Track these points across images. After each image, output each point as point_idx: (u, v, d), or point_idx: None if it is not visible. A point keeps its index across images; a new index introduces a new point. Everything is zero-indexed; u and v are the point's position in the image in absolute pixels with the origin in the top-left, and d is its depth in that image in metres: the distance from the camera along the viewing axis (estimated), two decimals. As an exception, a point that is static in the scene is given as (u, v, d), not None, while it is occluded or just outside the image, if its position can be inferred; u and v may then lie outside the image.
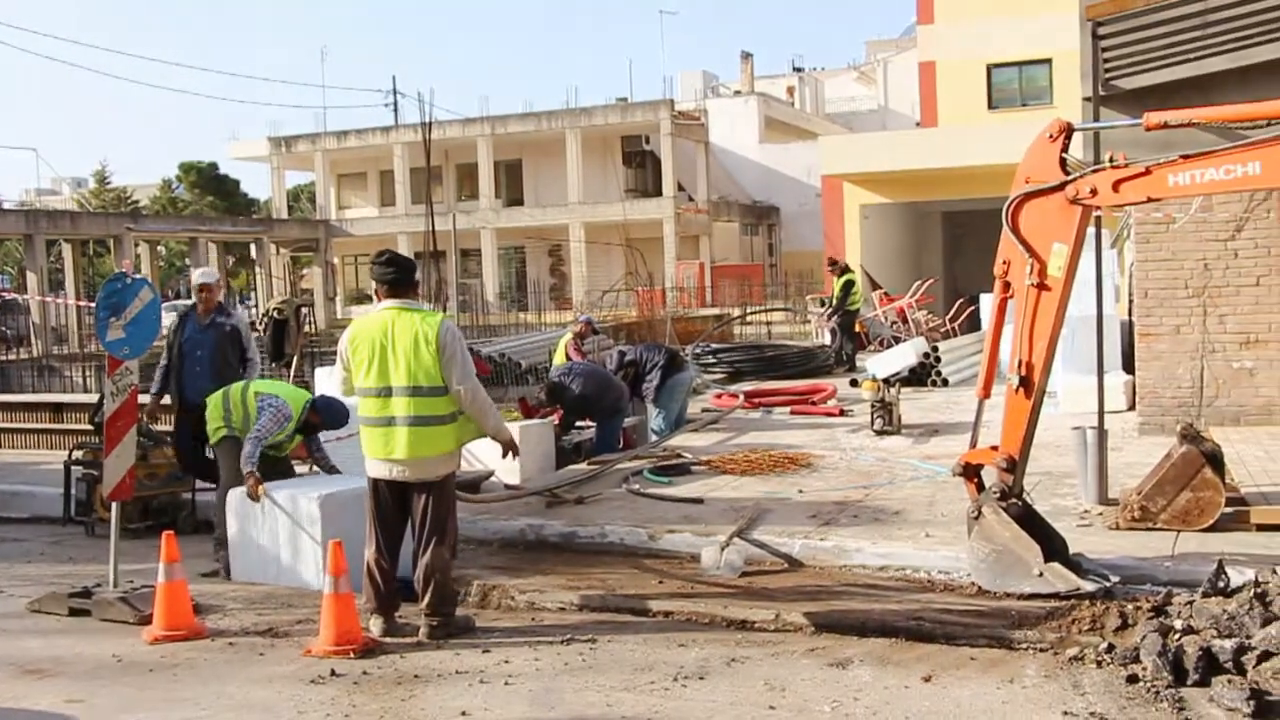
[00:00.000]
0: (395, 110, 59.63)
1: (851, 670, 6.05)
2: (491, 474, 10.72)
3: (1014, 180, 7.17)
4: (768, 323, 30.37)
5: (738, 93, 58.74)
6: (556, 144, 50.89)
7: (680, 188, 50.82)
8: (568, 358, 14.63)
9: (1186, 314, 12.07)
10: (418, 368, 6.75)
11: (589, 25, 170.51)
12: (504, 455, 7.32)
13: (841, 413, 15.08)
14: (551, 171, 51.84)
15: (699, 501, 9.77)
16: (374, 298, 7.10)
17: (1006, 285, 7.21)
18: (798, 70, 69.23)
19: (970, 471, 7.47)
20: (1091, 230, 9.52)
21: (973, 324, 22.79)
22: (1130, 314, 15.21)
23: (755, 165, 54.45)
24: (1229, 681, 5.38)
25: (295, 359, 14.57)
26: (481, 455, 10.69)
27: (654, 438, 13.22)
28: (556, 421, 12.22)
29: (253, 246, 55.51)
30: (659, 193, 50.25)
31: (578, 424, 12.73)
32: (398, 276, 6.96)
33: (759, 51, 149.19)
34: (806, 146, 44.91)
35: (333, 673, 6.15)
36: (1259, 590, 6.00)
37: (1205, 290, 11.97)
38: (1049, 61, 32.28)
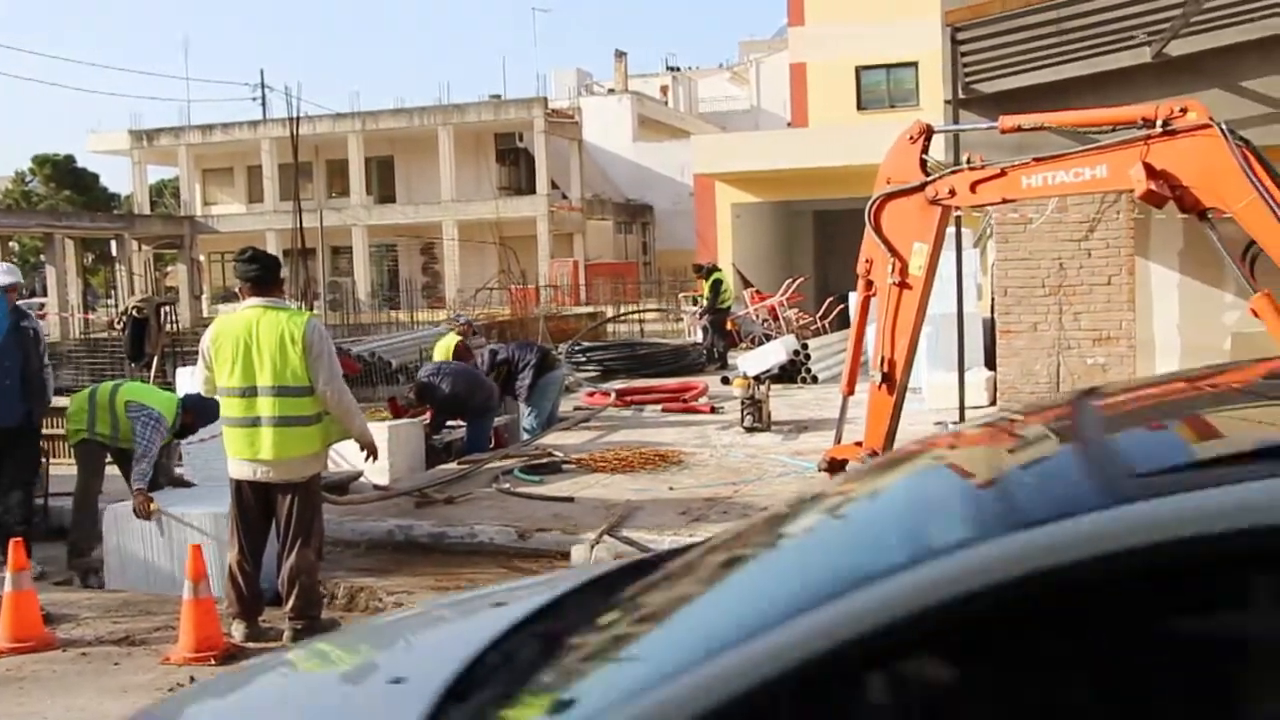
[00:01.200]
0: (263, 104, 58.51)
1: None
2: (360, 475, 10.57)
3: (876, 180, 7.31)
4: (640, 321, 30.48)
5: (611, 91, 58.82)
6: (429, 141, 50.40)
7: (554, 185, 50.72)
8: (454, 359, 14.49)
9: (1043, 311, 12.43)
10: (284, 367, 6.62)
11: (461, 22, 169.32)
12: (365, 458, 7.24)
13: (713, 410, 15.21)
14: (424, 169, 51.32)
15: (570, 500, 9.77)
16: (238, 295, 6.95)
17: (869, 284, 7.36)
18: (672, 69, 69.59)
19: (835, 466, 7.61)
20: (952, 230, 9.79)
21: (843, 322, 23.16)
22: (992, 312, 15.64)
23: (629, 164, 54.60)
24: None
25: (156, 359, 14.18)
26: (350, 456, 10.54)
27: (525, 436, 13.17)
28: (426, 421, 12.10)
29: (113, 243, 53.90)
30: (533, 191, 50.09)
31: (448, 423, 12.63)
32: (261, 274, 6.82)
33: (633, 50, 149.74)
34: (680, 145, 45.17)
35: (191, 680, 5.99)
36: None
37: (1061, 289, 12.34)
38: (915, 65, 32.94)
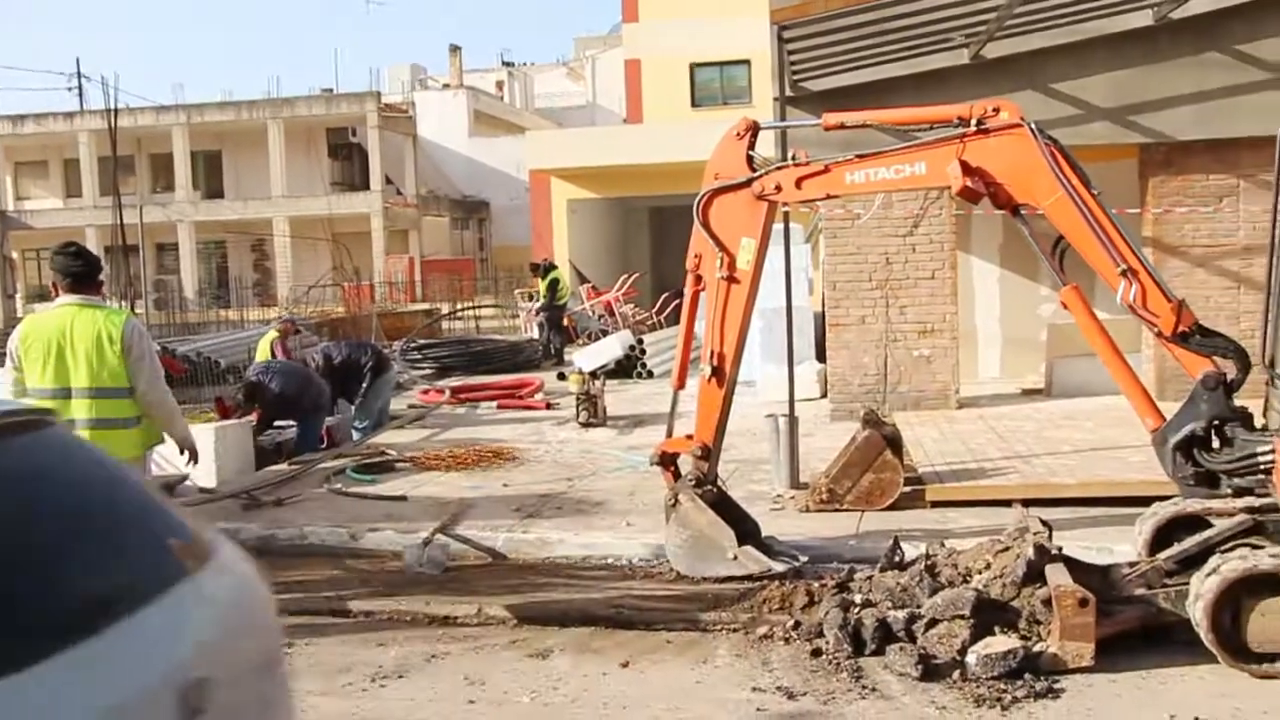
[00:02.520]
0: (80, 95, 56.06)
1: (552, 660, 6.11)
2: (185, 478, 10.24)
3: (703, 176, 7.40)
4: (476, 317, 30.28)
5: (446, 86, 58.20)
6: (258, 135, 49.10)
7: (388, 181, 49.95)
8: (274, 357, 14.16)
9: (871, 305, 12.76)
10: (100, 368, 6.38)
11: (292, 14, 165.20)
12: (186, 462, 7.03)
13: (548, 406, 15.20)
14: (253, 163, 49.98)
15: (403, 499, 9.65)
16: (52, 291, 6.67)
17: (698, 278, 7.43)
18: (507, 65, 69.17)
19: (667, 460, 7.67)
20: (781, 225, 9.95)
21: (679, 317, 23.34)
22: (823, 305, 15.97)
23: (465, 159, 54.12)
24: (901, 649, 5.73)
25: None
26: (174, 459, 10.20)
27: (356, 436, 12.96)
28: (255, 421, 11.80)
29: (-82, 240, 51.20)
30: (366, 186, 49.23)
31: (278, 423, 12.34)
32: (85, 270, 6.55)
33: (468, 45, 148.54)
34: (516, 141, 44.93)
35: None
36: (929, 563, 6.41)
37: (887, 283, 12.69)
38: (748, 62, 33.43)
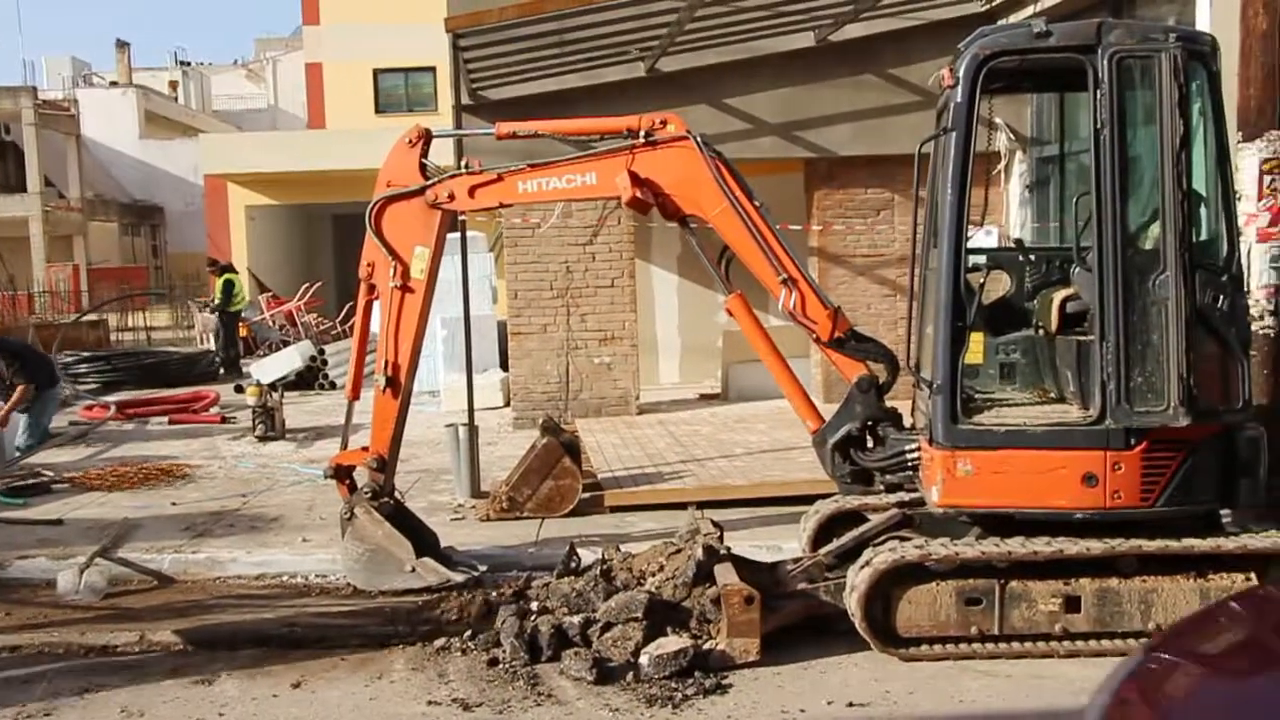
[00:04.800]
0: None
1: (218, 685, 5.85)
2: None
3: (376, 184, 7.27)
4: (148, 329, 28.74)
5: (114, 84, 55.07)
6: (-103, 130, 45.10)
7: (49, 183, 46.77)
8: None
9: (552, 313, 12.88)
10: None
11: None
12: None
13: (224, 420, 14.58)
14: (-109, 161, 45.86)
15: (58, 523, 9.03)
16: None
17: (372, 287, 7.30)
18: (182, 64, 66.10)
19: (342, 473, 7.48)
20: (458, 234, 9.91)
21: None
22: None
23: (136, 162, 51.26)
24: (576, 653, 5.79)
25: None
26: None
27: (17, 455, 12.03)
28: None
29: None
30: (24, 188, 45.88)
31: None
32: None
33: (137, 41, 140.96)
34: (192, 144, 42.94)
35: None
36: (604, 568, 6.51)
37: (568, 291, 12.84)
38: (433, 70, 33.15)
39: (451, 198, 7.08)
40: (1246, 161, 7.01)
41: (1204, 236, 6.01)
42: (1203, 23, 8.61)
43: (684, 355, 15.87)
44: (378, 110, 33.46)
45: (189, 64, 67.17)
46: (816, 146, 12.90)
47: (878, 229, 13.13)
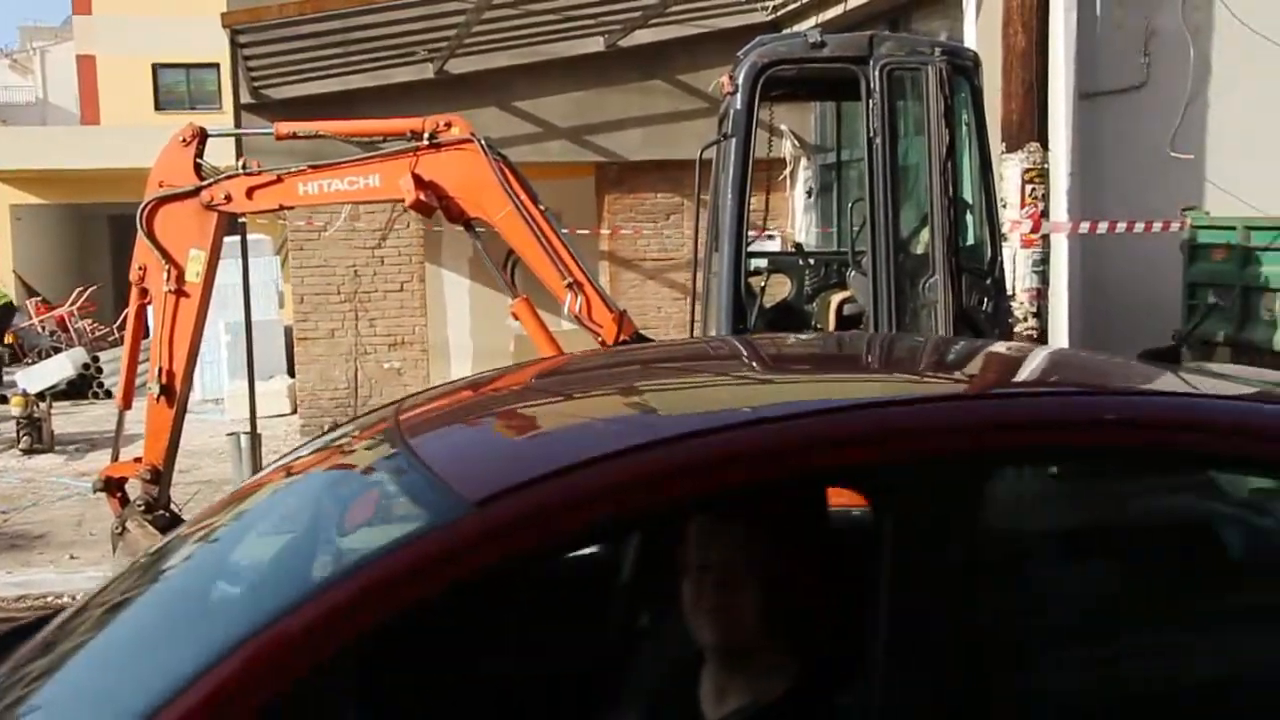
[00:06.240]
0: None
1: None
2: None
3: (148, 184, 6.98)
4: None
5: None
6: None
7: None
8: None
9: (340, 318, 12.62)
10: None
11: None
12: None
13: (-15, 432, 13.79)
14: None
15: None
16: None
17: (144, 291, 7.00)
18: (-61, 53, 62.32)
19: (113, 486, 7.15)
20: (238, 237, 9.61)
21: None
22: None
23: (-112, 157, 48.17)
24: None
25: None
26: None
27: None
28: None
29: None
30: None
31: None
32: None
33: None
34: (-49, 139, 40.49)
35: None
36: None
37: (356, 295, 12.60)
38: (217, 66, 32.06)
39: (229, 199, 6.84)
40: (1010, 171, 7.37)
41: (970, 242, 6.29)
42: (969, 40, 9.02)
43: (476, 359, 15.69)
44: (158, 107, 32.17)
45: (-53, 53, 63.32)
46: (607, 151, 12.98)
47: (666, 233, 13.29)
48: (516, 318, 6.81)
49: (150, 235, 6.90)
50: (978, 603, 1.96)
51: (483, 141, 6.75)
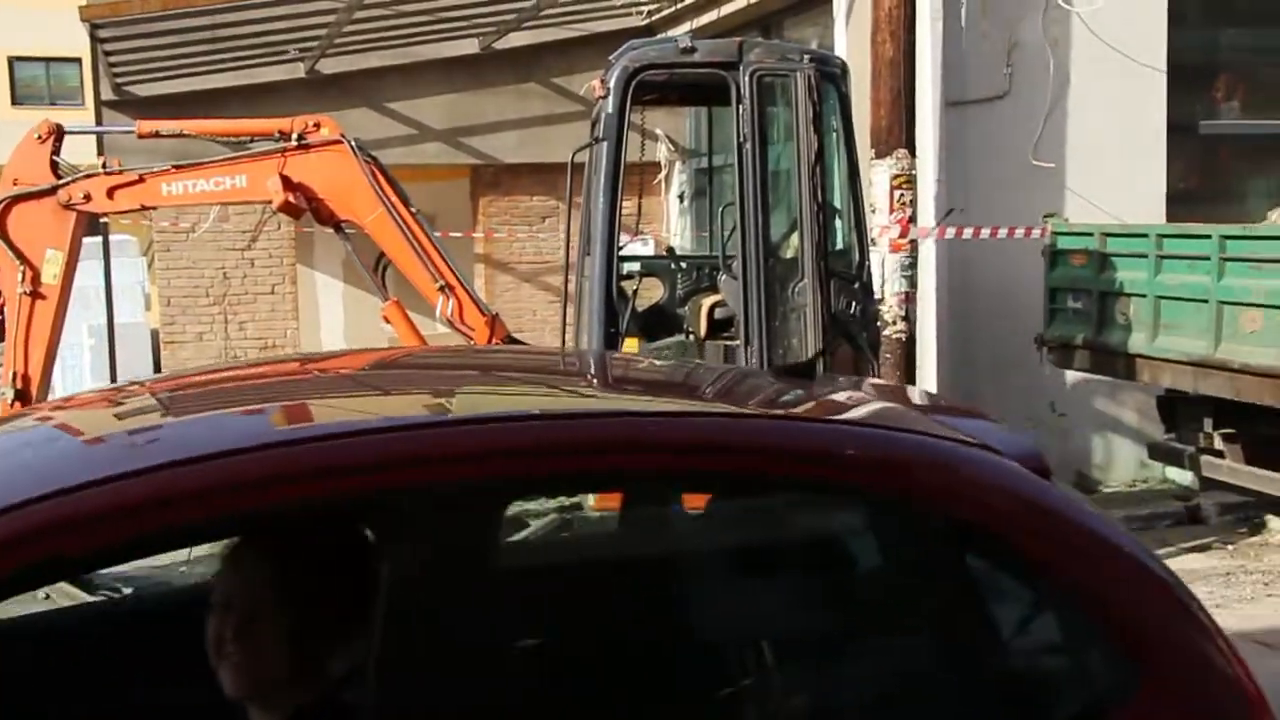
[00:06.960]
0: None
1: None
2: None
3: (0, 181, 6.75)
4: None
5: None
6: None
7: None
8: None
9: (209, 321, 12.35)
10: None
11: None
12: None
13: None
14: None
15: None
16: None
17: (-3, 293, 6.77)
18: None
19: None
20: (100, 238, 9.35)
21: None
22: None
23: None
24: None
25: None
26: None
27: None
28: None
29: None
30: None
31: None
32: None
33: None
34: None
35: None
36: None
37: (225, 298, 12.33)
38: (79, 61, 31.06)
39: (88, 199, 6.65)
40: (879, 177, 7.51)
41: (838, 247, 6.39)
42: (840, 48, 9.17)
43: (350, 363, 15.52)
44: (14, 102, 31.05)
45: None
46: (481, 153, 12.91)
47: (542, 236, 13.27)
48: (388, 321, 6.75)
49: (3, 235, 6.68)
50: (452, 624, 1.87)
51: (353, 143, 6.67)
